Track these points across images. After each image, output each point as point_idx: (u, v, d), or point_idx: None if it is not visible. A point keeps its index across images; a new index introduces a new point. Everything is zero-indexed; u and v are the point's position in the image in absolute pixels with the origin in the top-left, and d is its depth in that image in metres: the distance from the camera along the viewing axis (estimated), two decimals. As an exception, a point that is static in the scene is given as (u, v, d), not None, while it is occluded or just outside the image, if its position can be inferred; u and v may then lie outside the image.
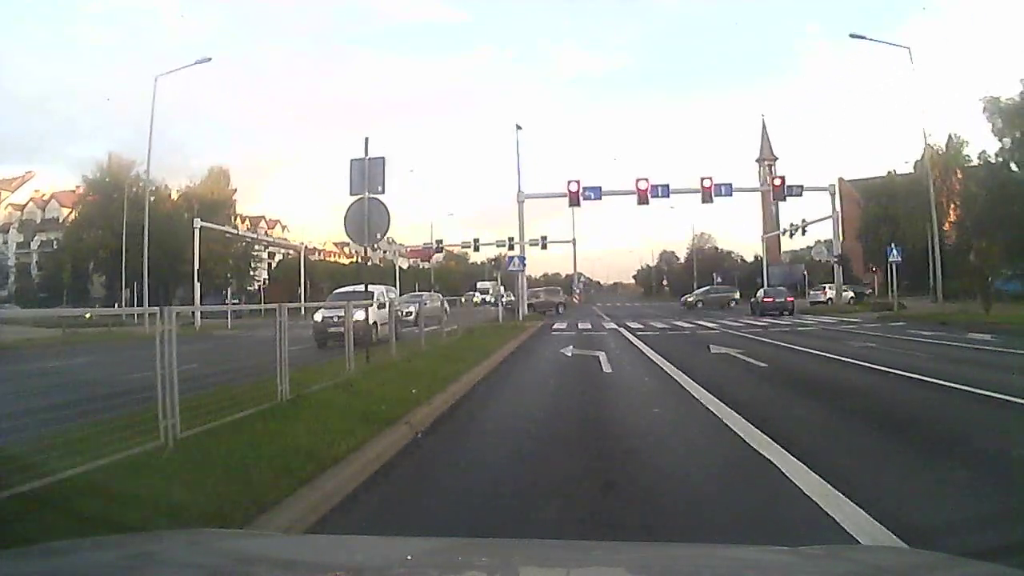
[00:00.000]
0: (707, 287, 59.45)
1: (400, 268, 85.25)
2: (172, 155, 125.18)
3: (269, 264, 79.11)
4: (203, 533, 2.54)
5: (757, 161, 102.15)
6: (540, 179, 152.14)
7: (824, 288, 46.98)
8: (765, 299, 36.21)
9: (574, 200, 32.92)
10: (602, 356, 14.21)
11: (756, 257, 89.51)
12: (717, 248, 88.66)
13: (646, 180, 33.19)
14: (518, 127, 35.80)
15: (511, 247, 56.37)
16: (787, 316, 32.60)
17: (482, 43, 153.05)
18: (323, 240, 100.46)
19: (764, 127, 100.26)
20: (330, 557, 1.97)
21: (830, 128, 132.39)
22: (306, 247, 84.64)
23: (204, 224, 40.79)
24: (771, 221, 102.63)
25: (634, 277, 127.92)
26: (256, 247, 70.61)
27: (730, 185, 33.93)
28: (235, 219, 71.91)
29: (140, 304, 44.13)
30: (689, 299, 52.25)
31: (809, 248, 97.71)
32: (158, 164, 68.99)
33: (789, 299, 36.00)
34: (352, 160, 12.01)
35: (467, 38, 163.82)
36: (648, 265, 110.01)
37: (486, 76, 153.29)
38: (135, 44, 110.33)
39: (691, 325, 25.94)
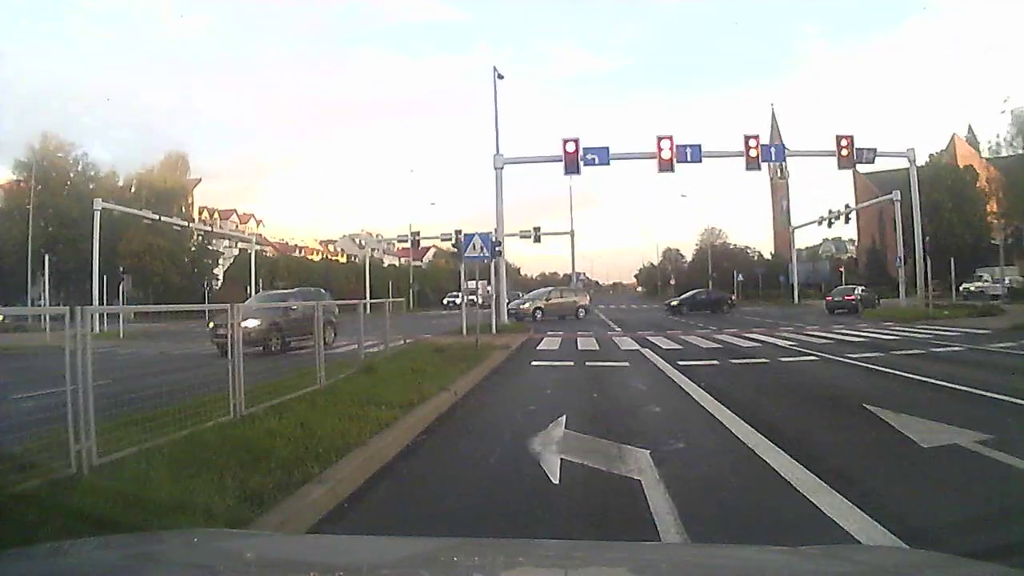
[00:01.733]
0: (518, 292, 41.79)
1: (383, 267, 75.72)
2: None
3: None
4: (203, 533, 2.43)
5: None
6: (537, 186, 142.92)
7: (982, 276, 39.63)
8: (827, 298, 34.47)
9: (571, 165, 23.23)
10: (652, 478, 4.54)
11: (770, 254, 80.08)
12: (728, 244, 78.11)
13: (670, 139, 23.52)
14: (498, 76, 26.08)
15: (497, 240, 46.84)
16: (860, 319, 26.73)
17: (481, 43, 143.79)
18: (309, 238, 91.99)
19: (773, 117, 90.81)
20: (330, 557, 1.88)
21: (839, 122, 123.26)
22: (260, 239, 75.80)
23: (105, 206, 31.22)
24: (782, 217, 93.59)
25: (636, 276, 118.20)
26: (225, 242, 61.61)
27: (781, 146, 24.28)
28: (194, 210, 62.67)
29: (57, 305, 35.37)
30: (514, 305, 31.60)
31: (817, 246, 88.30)
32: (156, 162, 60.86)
33: (848, 297, 33.46)
34: None
35: (466, 38, 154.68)
36: (652, 263, 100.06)
37: (484, 76, 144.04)
38: (135, 44, 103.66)
39: (751, 343, 16.26)
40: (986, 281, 37.67)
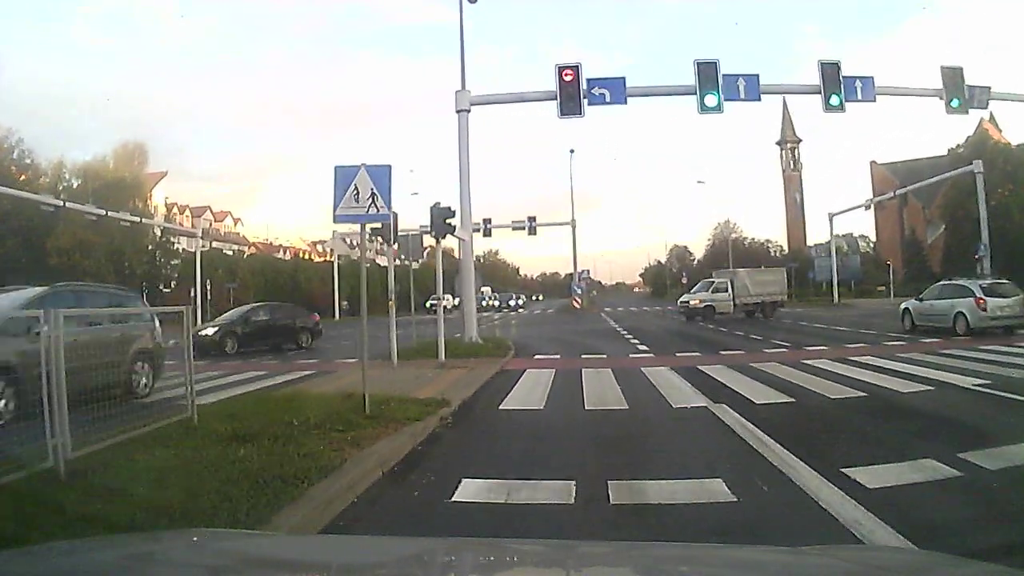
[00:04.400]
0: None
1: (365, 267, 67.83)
2: (171, 156, 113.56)
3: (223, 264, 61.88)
4: (203, 533, 2.36)
5: (778, 144, 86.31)
6: (535, 185, 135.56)
7: None
8: None
9: (570, 101, 15.19)
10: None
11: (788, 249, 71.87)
12: (744, 238, 69.65)
13: (714, 66, 15.58)
14: (469, -2, 18.14)
15: (487, 231, 38.83)
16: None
17: (481, 43, 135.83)
18: (297, 238, 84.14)
19: (785, 107, 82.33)
20: (330, 557, 1.77)
21: (842, 120, 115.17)
22: (239, 239, 67.86)
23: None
24: (795, 209, 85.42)
25: (641, 276, 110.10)
26: (201, 242, 54.06)
27: (871, 79, 16.34)
28: (154, 205, 55.05)
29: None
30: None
31: (827, 243, 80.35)
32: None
33: None
34: None
35: (465, 38, 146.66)
36: (659, 262, 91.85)
37: (482, 75, 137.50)
38: (135, 44, 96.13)
39: (908, 383, 8.20)
40: None
